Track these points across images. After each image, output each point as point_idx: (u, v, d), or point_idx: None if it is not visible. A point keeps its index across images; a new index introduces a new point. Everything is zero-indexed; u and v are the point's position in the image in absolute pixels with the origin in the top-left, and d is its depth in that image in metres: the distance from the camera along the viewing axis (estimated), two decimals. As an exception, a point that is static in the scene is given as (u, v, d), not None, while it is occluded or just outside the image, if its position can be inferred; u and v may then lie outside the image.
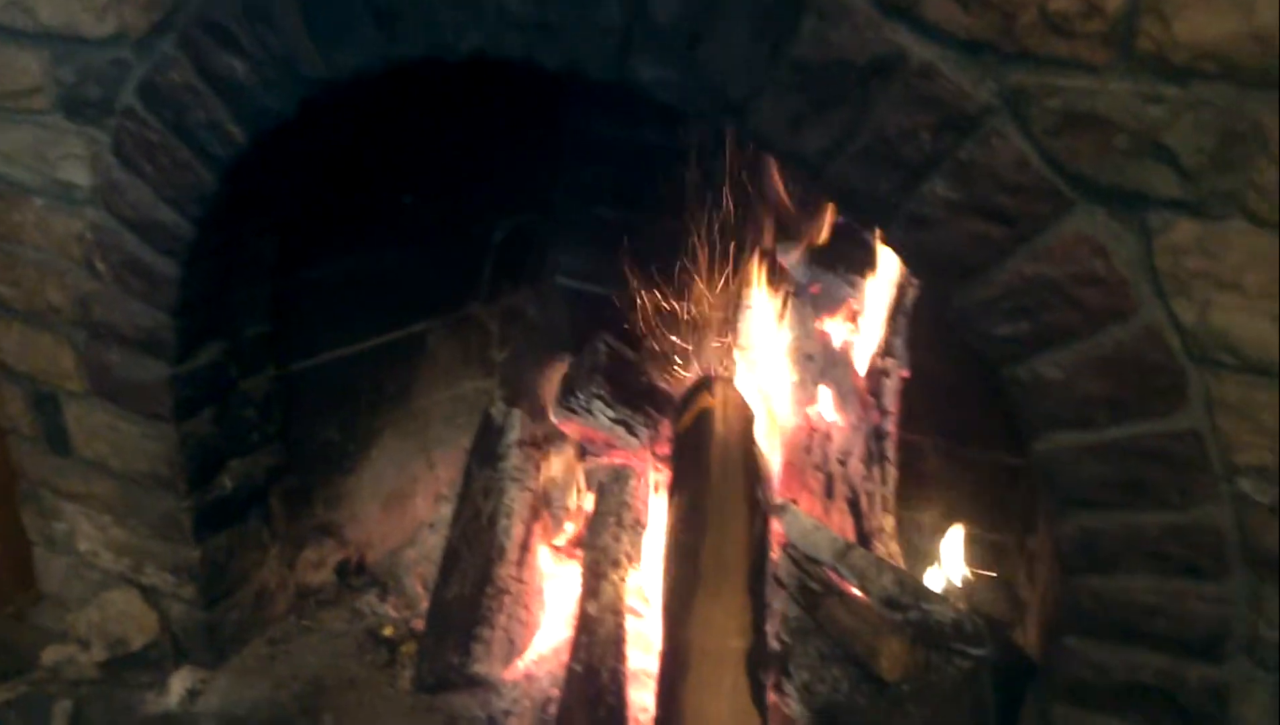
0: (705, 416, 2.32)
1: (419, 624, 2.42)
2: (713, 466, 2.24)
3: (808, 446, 2.44)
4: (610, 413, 2.41)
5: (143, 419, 2.08)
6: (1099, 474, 1.35)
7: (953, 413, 2.42)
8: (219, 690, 2.27)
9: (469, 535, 2.39)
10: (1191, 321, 1.25)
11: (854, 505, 2.40)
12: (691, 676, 2.00)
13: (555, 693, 2.22)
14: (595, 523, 2.36)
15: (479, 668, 2.19)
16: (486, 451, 2.53)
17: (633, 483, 2.41)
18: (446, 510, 2.68)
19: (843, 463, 2.41)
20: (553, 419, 2.51)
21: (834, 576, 2.16)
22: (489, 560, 2.31)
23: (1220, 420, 1.27)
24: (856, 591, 2.11)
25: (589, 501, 2.46)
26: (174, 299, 1.92)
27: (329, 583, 2.55)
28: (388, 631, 2.44)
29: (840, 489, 2.41)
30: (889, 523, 2.37)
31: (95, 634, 2.21)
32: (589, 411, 2.42)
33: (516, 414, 2.53)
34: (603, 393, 2.41)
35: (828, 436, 2.43)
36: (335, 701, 2.26)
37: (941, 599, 2.02)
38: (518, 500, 2.41)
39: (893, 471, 2.37)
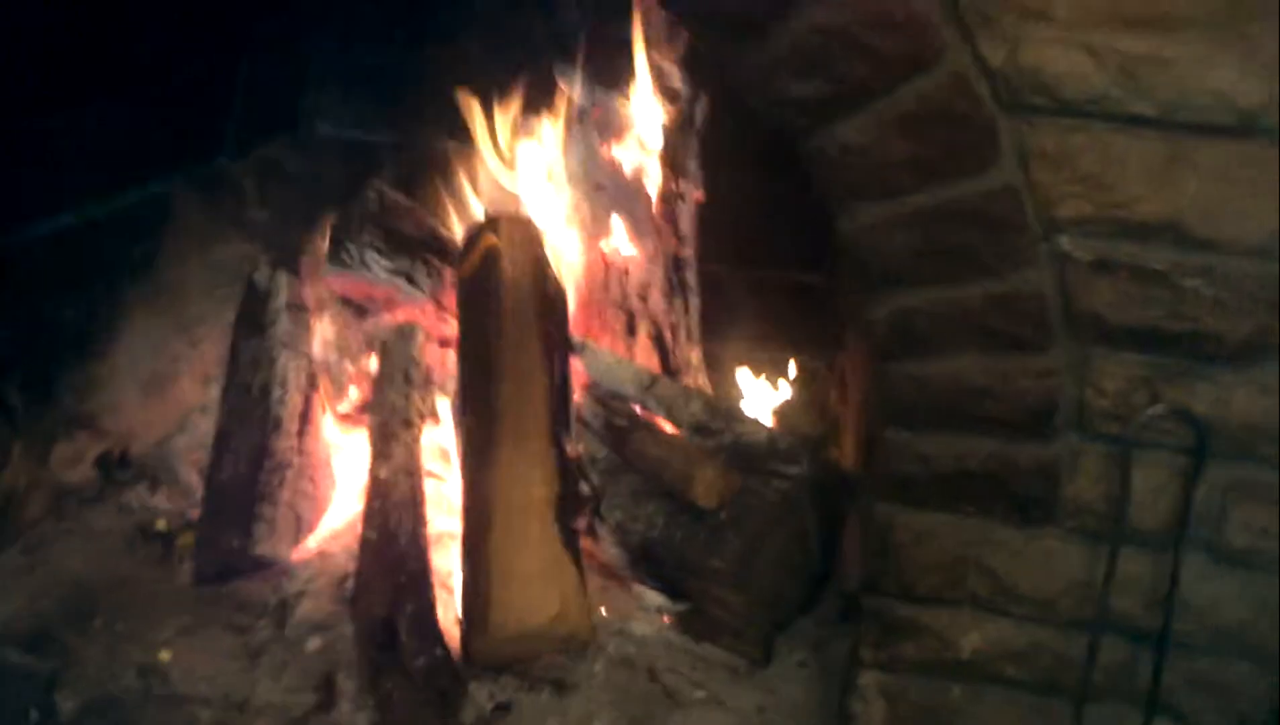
0: (490, 257, 2.14)
1: (196, 514, 2.20)
2: (503, 310, 2.07)
3: (605, 283, 2.30)
4: (387, 263, 2.20)
5: None
6: (911, 245, 1.25)
7: (751, 236, 2.31)
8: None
9: (239, 411, 2.17)
10: (1000, 62, 1.14)
11: (658, 340, 2.28)
12: (496, 531, 1.87)
13: (353, 567, 2.04)
14: (381, 383, 2.17)
15: (264, 548, 2.00)
16: (252, 320, 2.29)
17: (419, 337, 2.22)
18: (215, 392, 2.43)
19: (643, 298, 2.28)
20: (323, 277, 2.28)
21: (641, 411, 2.05)
22: (264, 434, 2.10)
23: (1036, 173, 1.18)
24: (665, 423, 2.00)
25: (373, 363, 2.25)
26: None
27: (90, 479, 2.28)
28: (160, 525, 2.21)
29: (643, 325, 2.29)
30: (695, 355, 2.27)
31: None
32: (363, 264, 2.21)
33: (282, 275, 2.29)
34: (377, 242, 2.20)
35: (625, 271, 2.29)
36: (105, 603, 2.03)
37: (753, 421, 1.93)
38: (291, 368, 2.19)
39: (695, 302, 2.25)
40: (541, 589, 1.84)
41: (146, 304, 2.30)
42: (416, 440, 2.08)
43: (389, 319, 2.32)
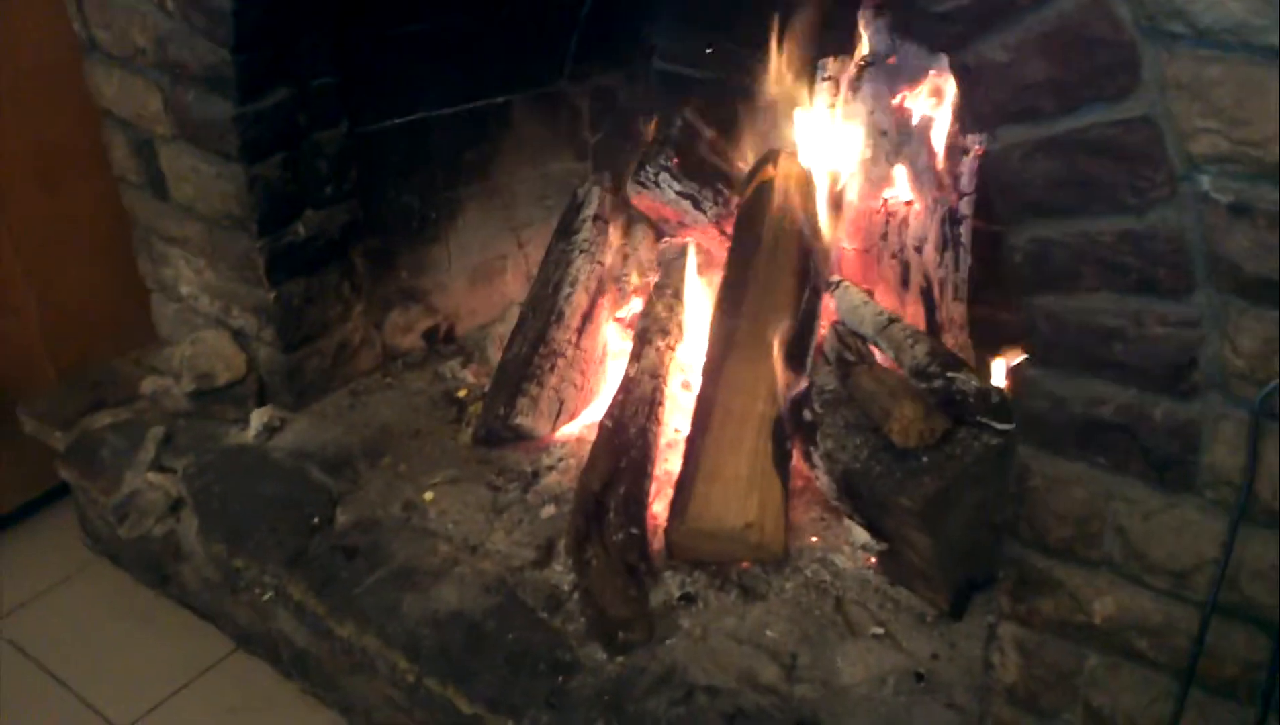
0: (765, 188, 2.25)
1: None
2: (764, 236, 2.18)
3: (884, 232, 2.34)
4: (676, 186, 2.37)
5: (216, 159, 2.20)
6: (1049, 173, 1.23)
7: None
8: (295, 429, 2.42)
9: (536, 302, 2.43)
10: (1139, -17, 1.11)
11: (926, 294, 2.29)
12: (712, 433, 2.00)
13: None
14: (653, 295, 2.35)
15: (522, 421, 2.24)
16: (565, 226, 2.54)
17: (691, 257, 2.38)
18: (535, 288, 2.72)
19: (918, 249, 2.30)
20: (627, 193, 2.49)
21: (874, 350, 2.09)
22: (546, 323, 2.35)
23: (1174, 104, 1.13)
24: (890, 363, 2.03)
25: (650, 276, 2.44)
26: (231, 33, 2.00)
27: (417, 347, 2.66)
28: (461, 393, 2.53)
29: (915, 278, 2.31)
30: (959, 312, 2.25)
31: (186, 367, 2.39)
32: (656, 184, 2.39)
33: (595, 189, 2.53)
34: (670, 166, 2.37)
35: (904, 222, 2.31)
36: (397, 447, 2.37)
37: (969, 371, 1.91)
38: (584, 271, 2.42)
39: (966, 259, 2.23)
40: (742, 495, 1.95)
41: (481, 202, 2.62)
42: (670, 348, 2.24)
43: (677, 239, 2.49)
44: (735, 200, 2.36)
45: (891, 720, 1.76)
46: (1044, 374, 1.36)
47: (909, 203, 2.30)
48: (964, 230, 2.23)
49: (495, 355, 2.60)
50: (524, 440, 2.30)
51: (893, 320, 2.05)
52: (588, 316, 2.40)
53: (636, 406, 2.14)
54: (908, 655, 1.87)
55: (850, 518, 2.04)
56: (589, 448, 2.29)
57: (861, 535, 2.03)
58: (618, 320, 2.47)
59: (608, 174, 2.62)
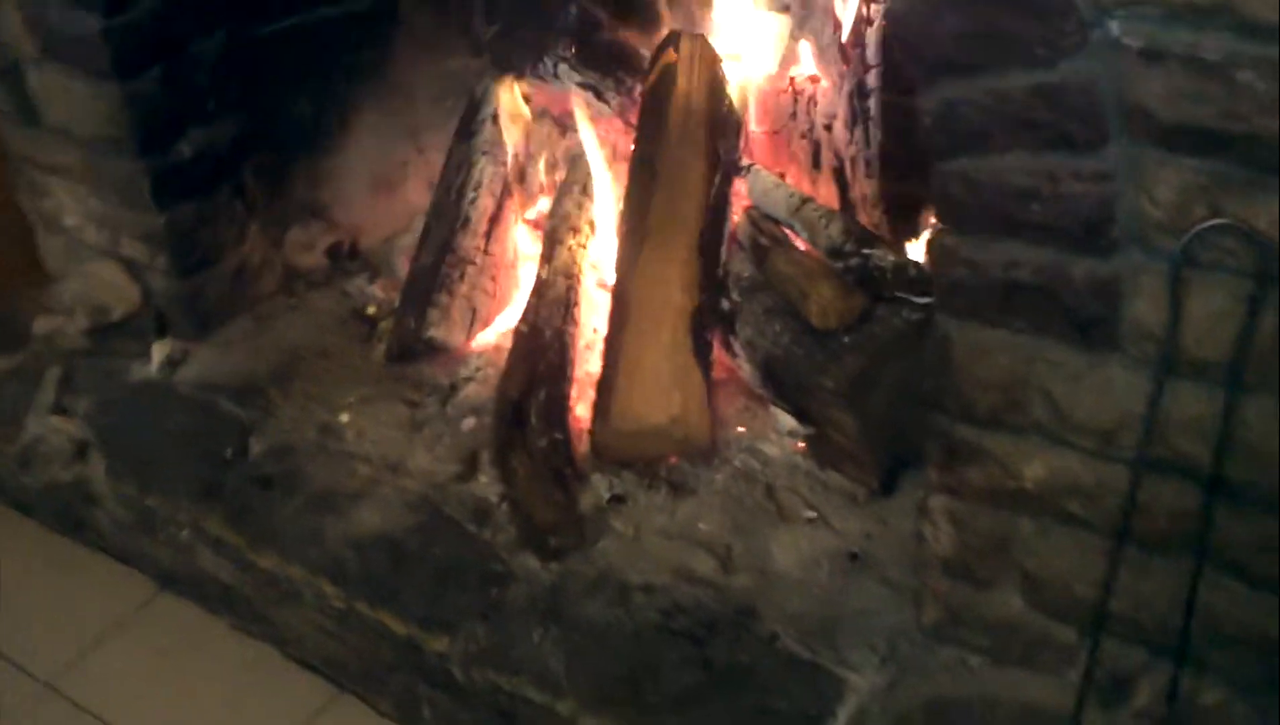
0: (667, 73, 2.16)
1: None
2: (671, 122, 2.10)
3: (793, 112, 2.27)
4: (576, 77, 2.28)
5: (88, 78, 2.07)
6: (958, 29, 1.18)
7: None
8: (199, 360, 2.33)
9: (440, 209, 2.35)
10: None
11: (839, 173, 2.23)
12: (630, 330, 1.95)
13: (518, 359, 2.19)
14: (560, 192, 2.27)
15: (435, 332, 2.18)
16: (465, 128, 2.44)
17: (602, 150, 2.30)
18: (439, 195, 2.63)
19: (828, 128, 2.23)
20: (523, 88, 2.40)
21: (788, 232, 2.04)
22: (452, 231, 2.26)
23: (1080, -55, 1.07)
24: (804, 244, 1.99)
25: (556, 173, 2.36)
26: (88, -59, 1.86)
27: (320, 266, 2.55)
28: (370, 310, 2.45)
29: (827, 158, 2.25)
30: (872, 189, 2.20)
31: (79, 303, 2.28)
32: (555, 76, 2.30)
33: (492, 86, 2.42)
34: (568, 56, 2.27)
35: (812, 100, 2.25)
36: (307, 370, 2.29)
37: (885, 245, 1.88)
38: (487, 173, 2.33)
39: (876, 134, 2.17)
40: (665, 390, 1.91)
41: (377, 106, 2.50)
42: (581, 246, 2.18)
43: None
44: (639, 88, 2.27)
45: (828, 602, 1.75)
46: (960, 241, 1.32)
47: (815, 79, 2.23)
48: (873, 104, 2.16)
49: (403, 268, 2.52)
50: (439, 353, 2.23)
51: (805, 201, 2.00)
52: (495, 220, 2.32)
53: (551, 309, 2.08)
54: (841, 536, 1.86)
55: (774, 404, 2.01)
56: (505, 355, 2.23)
57: (788, 421, 2.01)
58: (526, 222, 2.39)
59: (507, 70, 2.51)
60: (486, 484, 1.99)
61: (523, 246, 2.38)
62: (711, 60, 2.16)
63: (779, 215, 2.03)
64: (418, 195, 2.65)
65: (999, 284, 1.31)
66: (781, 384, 1.92)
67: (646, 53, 2.32)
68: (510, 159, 2.37)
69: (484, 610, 1.77)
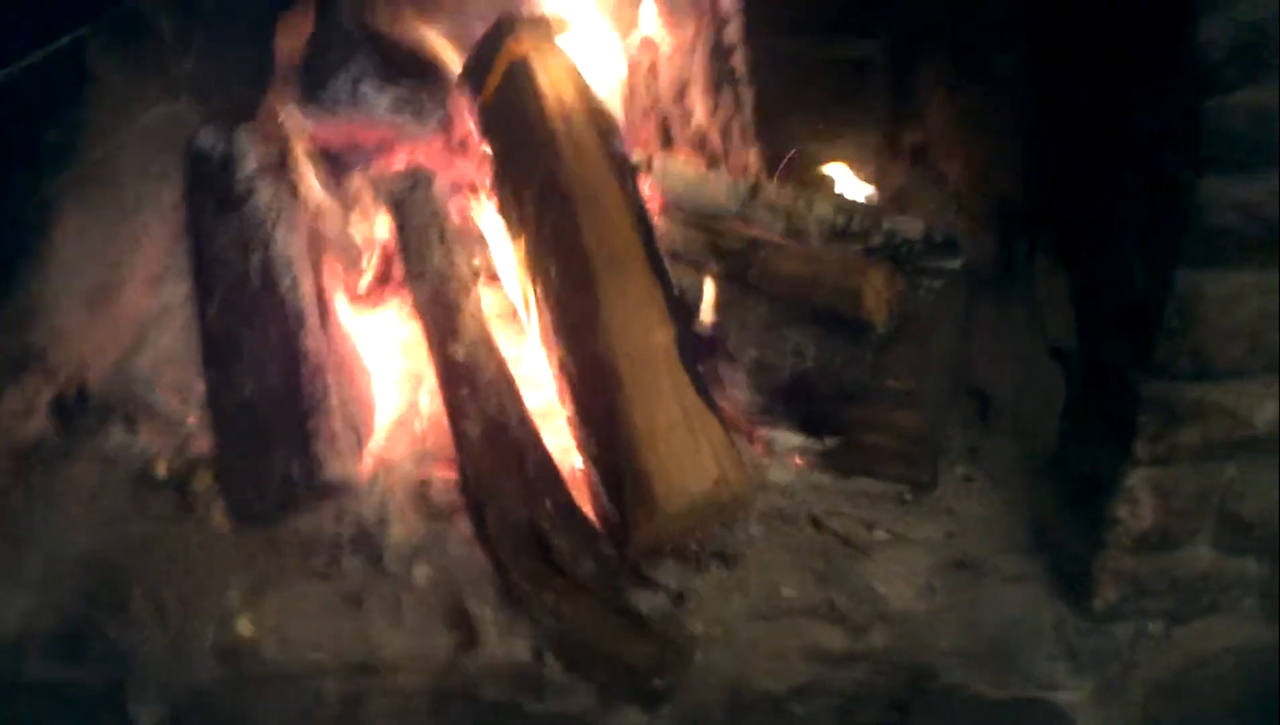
0: (517, 72, 1.74)
1: (200, 445, 1.78)
2: (553, 132, 1.69)
3: (630, 87, 1.93)
4: (386, 97, 1.77)
5: None
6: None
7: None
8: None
9: (239, 308, 1.74)
10: None
11: (702, 146, 1.94)
12: (625, 392, 1.55)
13: (435, 472, 1.70)
14: (410, 247, 1.77)
15: (333, 471, 1.62)
16: (215, 195, 1.83)
17: (436, 185, 1.82)
18: (171, 293, 1.97)
19: (679, 97, 1.93)
20: (294, 126, 1.83)
21: (744, 226, 1.73)
22: (289, 333, 1.69)
23: None
24: (782, 236, 1.69)
25: (381, 226, 1.84)
26: None
27: (47, 430, 1.81)
28: (161, 469, 1.78)
29: (682, 132, 1.94)
30: (752, 157, 1.94)
31: None
32: (354, 100, 1.77)
33: (242, 134, 1.83)
34: (369, 71, 1.75)
35: (653, 68, 1.92)
36: (137, 578, 1.62)
37: (905, 216, 1.64)
38: (292, 246, 1.76)
39: (747, 93, 1.91)
40: (695, 450, 1.55)
41: (77, 196, 1.80)
42: (479, 307, 1.71)
43: (384, 170, 1.89)
44: (457, 97, 1.82)
45: (975, 625, 1.55)
46: (1225, 182, 1.13)
47: (651, 44, 1.91)
48: (738, 60, 1.89)
49: (168, 399, 1.87)
50: (326, 497, 1.67)
51: (756, 186, 1.70)
52: (322, 305, 1.77)
53: (494, 394, 1.62)
54: (926, 547, 1.65)
55: (774, 426, 1.72)
56: (404, 471, 1.73)
57: (789, 440, 1.74)
58: (354, 296, 1.84)
59: (222, 110, 1.92)
60: (503, 640, 1.52)
61: (362, 330, 1.84)
62: (560, 47, 1.77)
63: (725, 208, 1.71)
64: (140, 298, 1.97)
65: (1271, 221, 1.14)
66: (810, 398, 1.63)
67: (449, 53, 1.87)
68: (309, 220, 1.80)
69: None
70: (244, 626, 1.55)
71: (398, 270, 1.81)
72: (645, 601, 1.53)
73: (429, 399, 1.79)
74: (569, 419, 1.63)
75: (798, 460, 1.74)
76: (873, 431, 1.65)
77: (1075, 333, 1.55)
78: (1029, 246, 1.66)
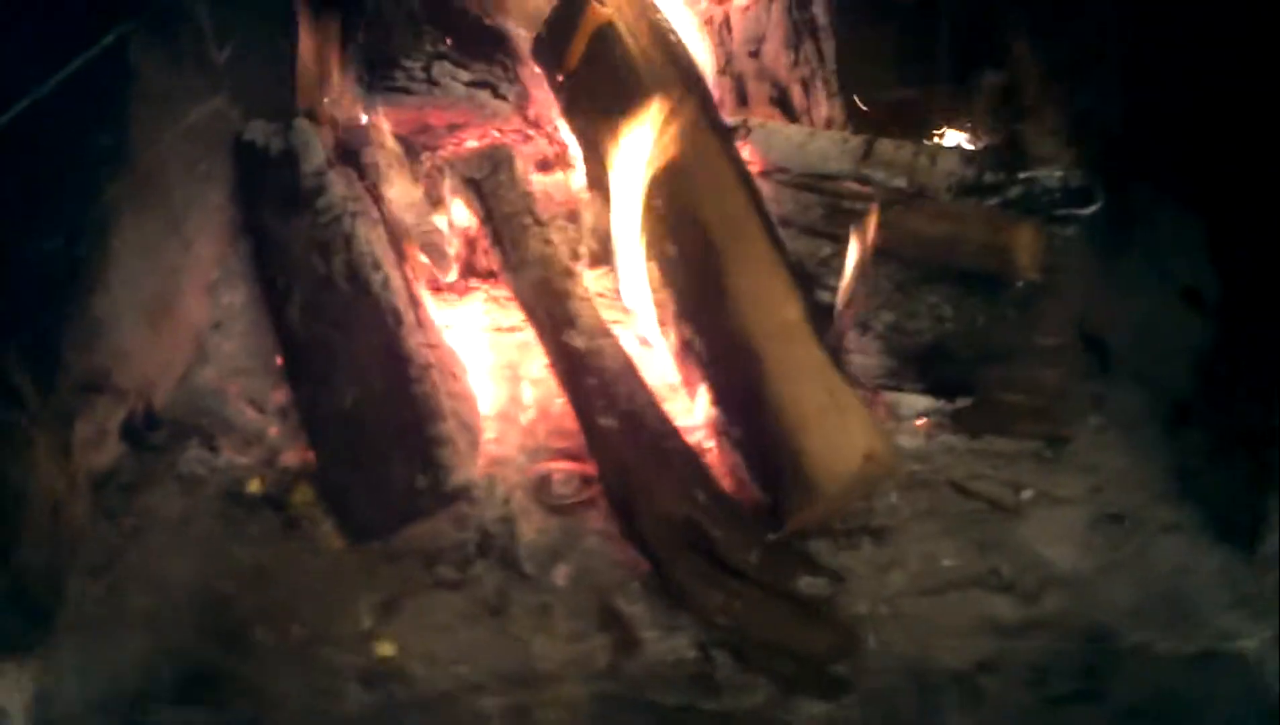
0: (606, 36, 1.64)
1: (291, 458, 1.67)
2: (651, 98, 1.59)
3: (708, 44, 1.84)
4: (465, 75, 1.66)
5: None
6: None
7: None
8: (63, 684, 1.43)
9: (326, 312, 1.63)
10: None
11: (781, 102, 1.86)
12: (769, 368, 1.48)
13: (551, 467, 1.61)
14: (504, 234, 1.66)
15: (458, 477, 1.52)
16: (280, 194, 1.71)
17: (518, 164, 1.72)
18: (230, 300, 1.86)
19: (754, 53, 1.84)
20: (363, 112, 1.71)
21: (861, 186, 1.65)
22: (390, 334, 1.58)
23: None
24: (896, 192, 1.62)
25: (460, 212, 1.73)
26: None
27: (122, 456, 1.69)
28: (253, 486, 1.67)
29: (757, 89, 1.86)
30: (836, 110, 1.86)
31: None
32: (431, 82, 1.66)
33: (302, 125, 1.71)
34: (444, 50, 1.64)
35: (725, 23, 1.83)
36: (254, 609, 1.51)
37: (1040, 164, 1.57)
38: (375, 242, 1.65)
39: (830, 44, 1.82)
40: (841, 427, 1.48)
41: (132, 205, 1.67)
42: (588, 292, 1.62)
43: (455, 151, 1.78)
44: (532, 69, 1.71)
45: (1146, 580, 1.51)
46: None
47: (724, 1, 1.82)
48: (819, 10, 1.81)
49: (241, 411, 1.76)
50: (450, 504, 1.57)
51: (869, 142, 1.62)
52: (414, 300, 1.66)
53: (623, 384, 1.53)
54: (1077, 503, 1.61)
55: (899, 389, 1.66)
56: (516, 466, 1.65)
57: (915, 403, 1.67)
58: (443, 287, 1.74)
59: (264, 102, 1.79)
60: (663, 638, 1.45)
61: (454, 322, 1.74)
62: (645, 5, 1.67)
63: (836, 169, 1.63)
64: (198, 307, 1.86)
65: None
66: (949, 360, 1.57)
67: (509, 25, 1.76)
68: (387, 212, 1.69)
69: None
70: (385, 648, 1.45)
71: (484, 257, 1.71)
72: (809, 587, 1.47)
73: (530, 390, 1.71)
74: (703, 403, 1.54)
75: (919, 423, 1.68)
76: (1010, 390, 1.58)
77: (1214, 277, 1.50)
78: (1151, 189, 1.60)
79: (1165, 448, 1.64)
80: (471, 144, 1.77)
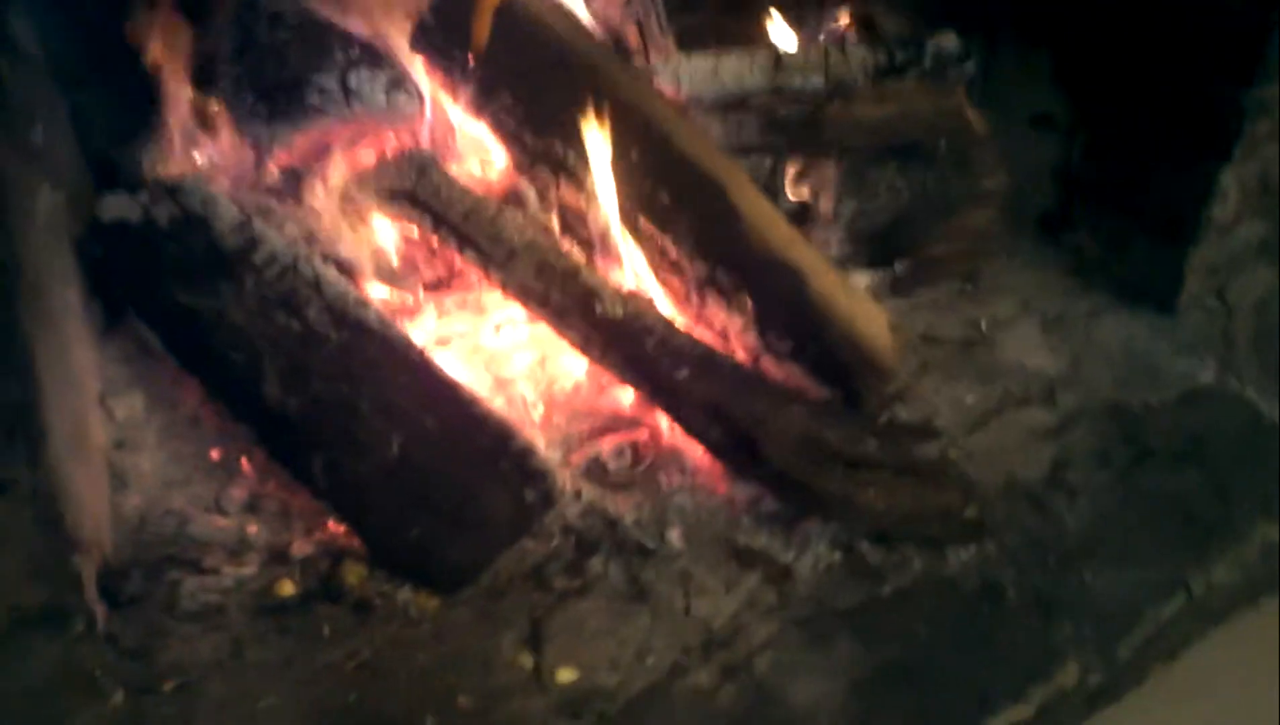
0: (510, 8, 1.59)
1: (299, 547, 1.50)
2: (584, 56, 1.59)
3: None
4: (382, 77, 1.54)
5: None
6: None
7: None
8: None
9: (321, 370, 1.46)
10: None
11: (617, 45, 1.89)
12: (806, 274, 1.55)
13: (594, 449, 1.58)
14: (471, 233, 1.57)
15: (560, 479, 1.45)
16: (191, 266, 1.49)
17: (438, 158, 1.63)
18: (123, 413, 1.60)
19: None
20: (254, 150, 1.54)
21: (779, 100, 1.74)
22: (416, 365, 1.46)
23: None
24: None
25: (383, 231, 1.61)
26: None
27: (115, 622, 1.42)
28: (285, 589, 1.47)
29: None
30: (669, 45, 1.92)
31: None
32: (348, 92, 1.52)
33: (194, 183, 1.50)
34: (357, 55, 1.51)
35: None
36: (415, 702, 1.35)
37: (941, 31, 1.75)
38: (341, 280, 1.50)
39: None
40: (868, 308, 1.60)
41: (38, 331, 1.38)
42: (590, 262, 1.59)
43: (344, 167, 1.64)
44: (423, 59, 1.63)
45: (1111, 354, 1.77)
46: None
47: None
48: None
49: (214, 521, 1.56)
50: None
51: (774, 54, 1.71)
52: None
53: (671, 334, 1.53)
54: (1021, 319, 1.85)
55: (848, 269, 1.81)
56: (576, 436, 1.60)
57: (861, 280, 1.82)
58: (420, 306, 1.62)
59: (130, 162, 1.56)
60: (810, 554, 1.50)
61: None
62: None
63: (751, 86, 1.72)
64: (95, 430, 1.58)
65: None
66: (910, 228, 1.73)
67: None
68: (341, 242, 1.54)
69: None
70: (564, 674, 1.37)
71: (440, 266, 1.60)
72: (923, 452, 1.56)
73: (526, 387, 1.64)
74: (735, 330, 1.57)
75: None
76: (942, 242, 1.76)
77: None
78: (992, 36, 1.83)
79: (1057, 254, 1.91)
80: (367, 157, 1.62)
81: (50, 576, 1.34)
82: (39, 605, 1.35)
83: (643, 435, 1.59)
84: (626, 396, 1.62)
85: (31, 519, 1.34)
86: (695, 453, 1.56)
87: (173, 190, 1.48)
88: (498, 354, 1.66)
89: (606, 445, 1.59)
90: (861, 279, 1.78)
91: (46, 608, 1.35)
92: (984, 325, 1.79)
